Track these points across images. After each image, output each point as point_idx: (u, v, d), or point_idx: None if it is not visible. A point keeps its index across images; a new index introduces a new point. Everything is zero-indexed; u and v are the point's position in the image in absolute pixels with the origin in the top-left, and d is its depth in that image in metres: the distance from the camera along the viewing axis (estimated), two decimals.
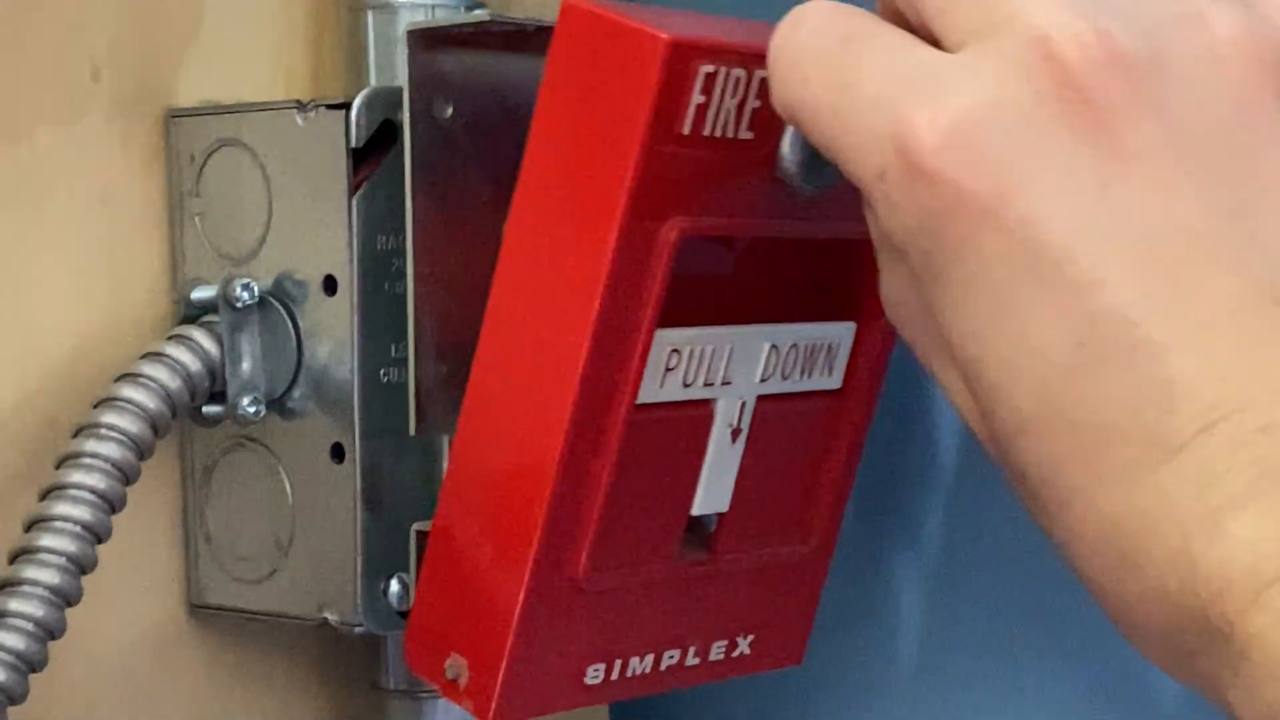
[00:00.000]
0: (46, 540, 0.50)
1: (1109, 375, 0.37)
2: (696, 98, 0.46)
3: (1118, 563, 0.37)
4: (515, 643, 0.50)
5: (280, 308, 0.55)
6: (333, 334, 0.54)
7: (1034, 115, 0.38)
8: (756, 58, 0.45)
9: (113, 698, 0.56)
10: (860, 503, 0.61)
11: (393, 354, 0.54)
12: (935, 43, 0.41)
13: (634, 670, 0.53)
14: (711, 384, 0.51)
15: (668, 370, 0.49)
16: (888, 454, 0.62)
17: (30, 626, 0.49)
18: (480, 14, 0.56)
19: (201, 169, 0.56)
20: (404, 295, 0.53)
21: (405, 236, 0.53)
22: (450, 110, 0.53)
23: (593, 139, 0.46)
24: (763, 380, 0.52)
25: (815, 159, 0.46)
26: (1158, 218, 0.37)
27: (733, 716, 0.67)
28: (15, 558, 0.50)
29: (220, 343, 0.54)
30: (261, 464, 0.56)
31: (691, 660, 0.55)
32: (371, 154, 0.54)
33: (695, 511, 0.52)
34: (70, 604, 0.50)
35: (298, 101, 0.54)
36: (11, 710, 0.50)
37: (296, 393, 0.55)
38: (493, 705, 0.49)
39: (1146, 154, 0.38)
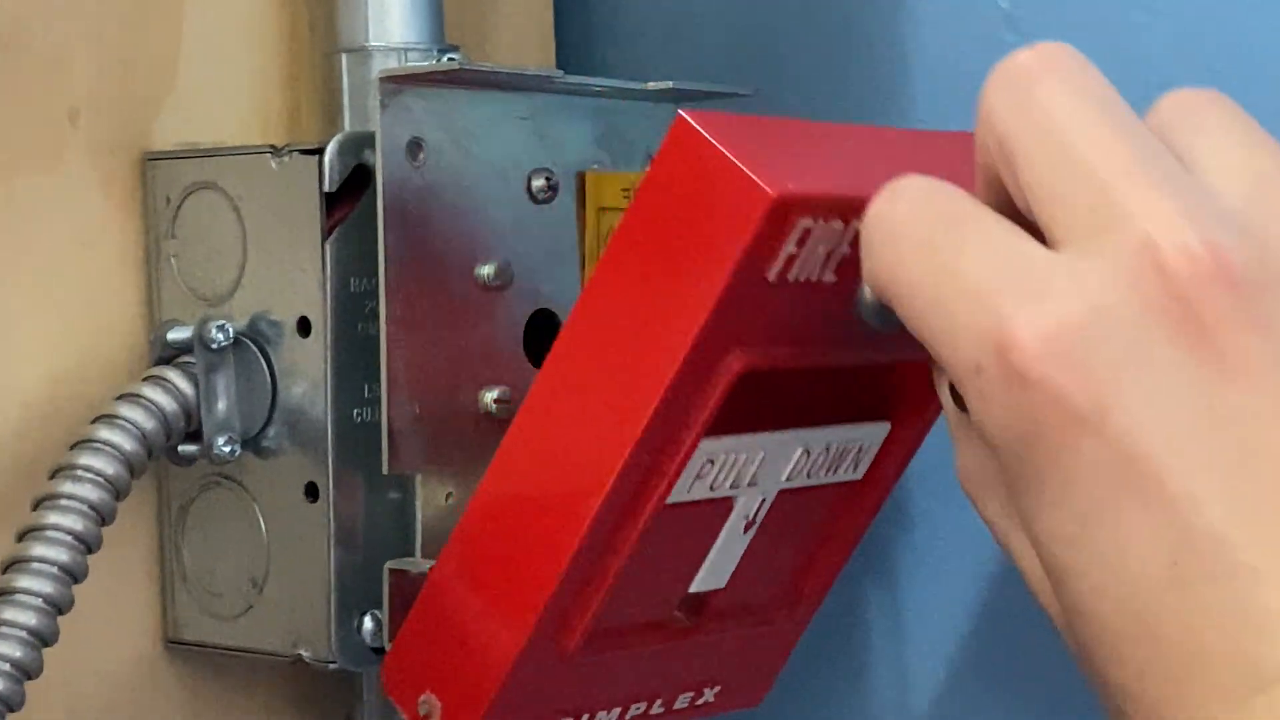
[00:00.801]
0: (24, 582, 0.51)
1: (1203, 597, 0.36)
2: (789, 249, 0.45)
3: None
4: (495, 702, 0.50)
5: (255, 348, 0.55)
6: (307, 374, 0.55)
7: (1139, 326, 0.37)
8: (857, 209, 0.44)
9: None
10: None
11: (366, 394, 0.55)
12: (1038, 233, 0.40)
13: None
14: (738, 485, 0.51)
15: (699, 476, 0.49)
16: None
17: (7, 667, 0.50)
18: (453, 59, 0.57)
19: (177, 211, 0.57)
20: (377, 336, 0.54)
21: (378, 279, 0.53)
22: (422, 154, 0.54)
23: (678, 263, 0.45)
24: (788, 479, 0.52)
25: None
26: (1261, 439, 0.37)
27: None
28: None
29: (196, 383, 0.55)
30: (237, 502, 0.56)
31: (656, 709, 0.56)
32: (345, 197, 0.55)
33: (693, 589, 0.53)
34: (47, 644, 0.51)
35: (272, 146, 0.55)
36: None
37: (271, 432, 0.56)
38: None
39: (1252, 372, 0.37)
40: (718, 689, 0.57)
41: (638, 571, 0.50)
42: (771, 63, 0.67)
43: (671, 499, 0.49)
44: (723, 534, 0.52)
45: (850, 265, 0.46)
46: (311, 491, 0.55)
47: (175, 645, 0.58)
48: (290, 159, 0.55)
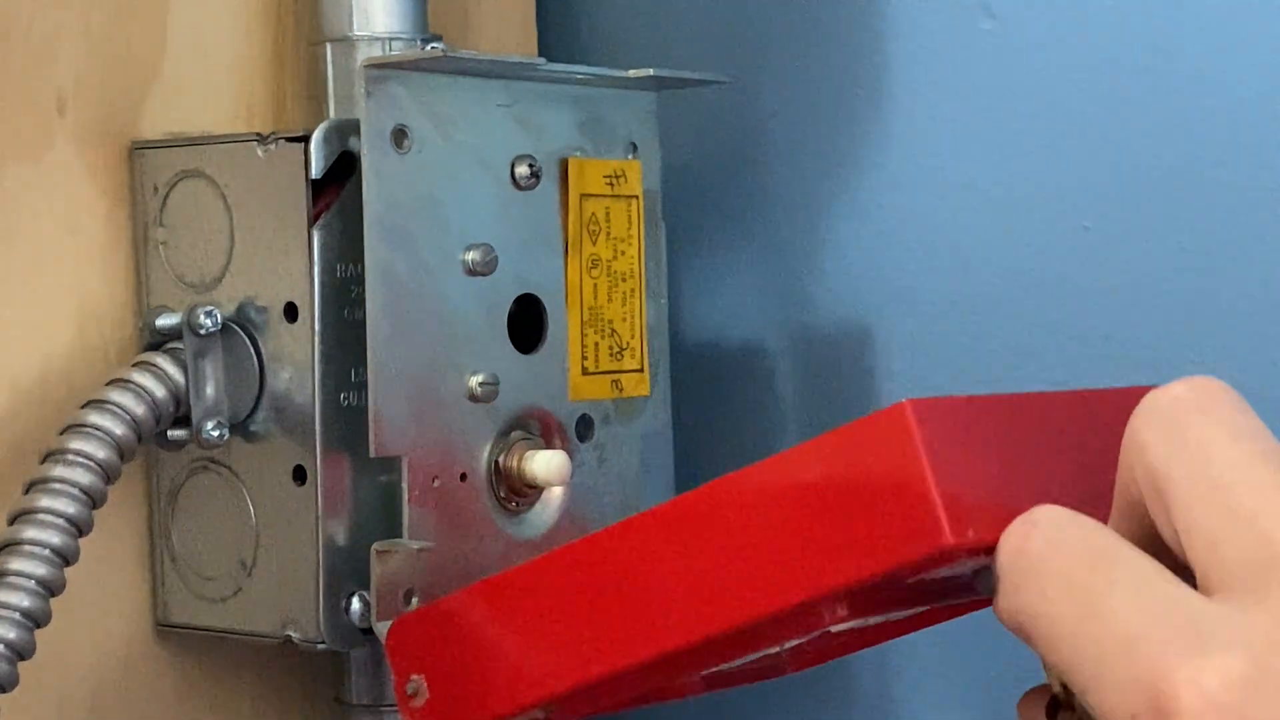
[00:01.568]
0: (16, 564, 0.52)
1: None
2: (941, 570, 0.44)
3: None
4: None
5: (243, 334, 0.56)
6: (294, 359, 0.56)
7: None
8: None
9: (81, 715, 0.57)
10: None
11: (352, 378, 0.56)
12: (1181, 569, 0.40)
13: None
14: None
15: None
16: None
17: (1, 649, 0.51)
18: (436, 48, 0.57)
19: (165, 200, 0.58)
20: (363, 321, 0.54)
21: (364, 264, 0.54)
22: (407, 141, 0.55)
23: (833, 525, 0.44)
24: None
25: None
26: None
27: None
28: None
29: (184, 369, 0.55)
30: (225, 486, 0.57)
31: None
32: (331, 184, 0.55)
33: (705, 673, 0.53)
34: (39, 626, 0.52)
35: (258, 134, 0.56)
36: None
37: (259, 417, 0.56)
38: None
39: None
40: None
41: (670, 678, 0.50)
42: (751, 51, 0.67)
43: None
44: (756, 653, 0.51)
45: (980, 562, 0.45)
46: (299, 475, 0.56)
47: (165, 628, 0.59)
48: (276, 147, 0.55)
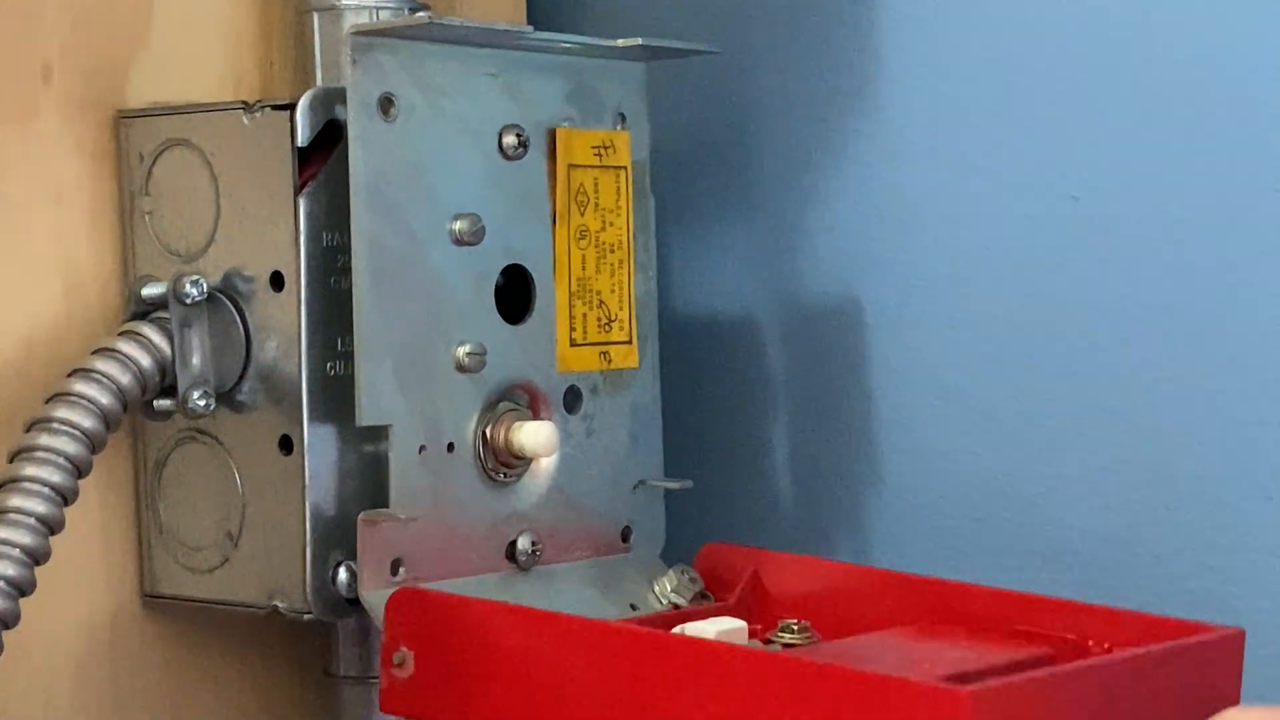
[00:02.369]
0: (1, 533, 0.51)
1: None
2: None
3: None
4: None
5: (229, 303, 0.56)
6: (280, 329, 0.55)
7: None
8: None
9: (68, 685, 0.57)
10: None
11: (339, 347, 0.55)
12: None
13: None
14: None
15: None
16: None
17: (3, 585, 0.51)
18: (423, 16, 0.57)
19: (151, 168, 0.57)
20: (349, 290, 0.54)
21: (350, 233, 0.54)
22: (394, 109, 0.55)
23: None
24: None
25: None
26: None
27: None
28: None
29: (170, 338, 0.55)
30: (212, 456, 0.57)
31: None
32: (317, 152, 0.55)
33: None
34: (24, 594, 0.52)
35: (244, 102, 0.55)
36: None
37: (245, 386, 0.56)
38: (396, 710, 0.52)
39: None
40: None
41: None
42: (741, 23, 0.67)
43: None
44: None
45: None
46: (285, 444, 0.56)
47: (152, 599, 0.59)
48: (262, 115, 0.55)
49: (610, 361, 0.61)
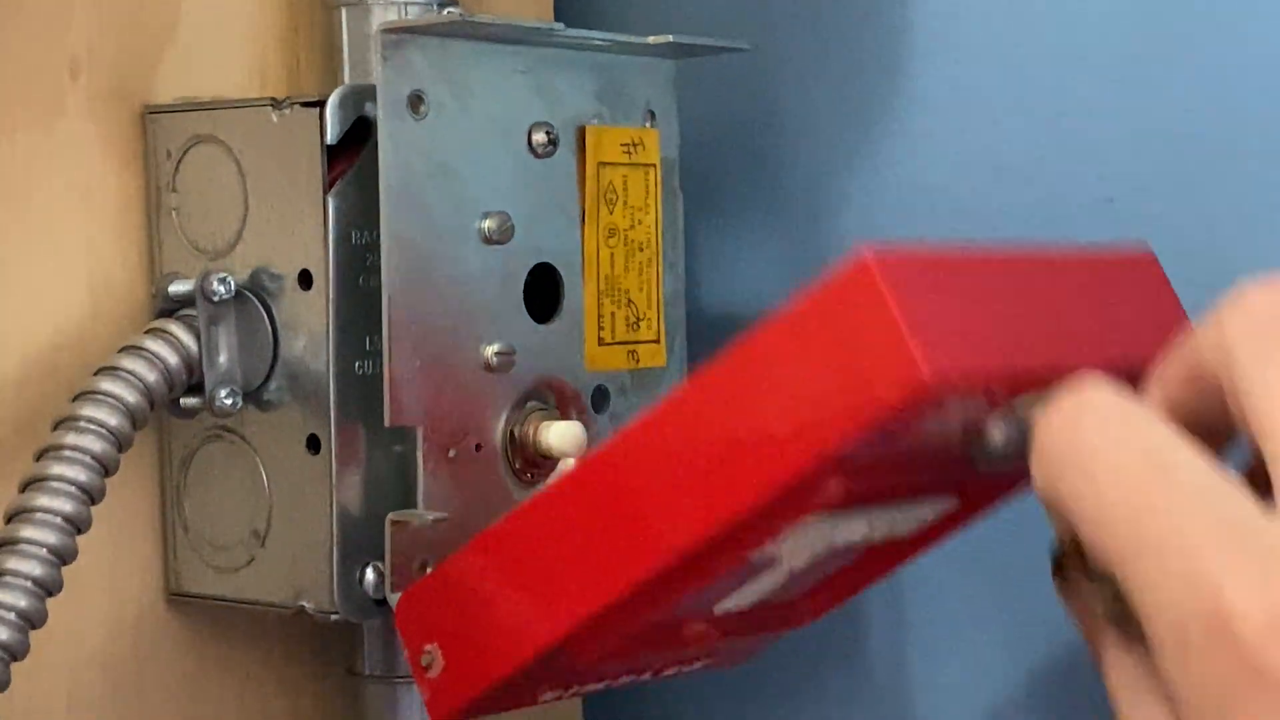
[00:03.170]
0: (28, 532, 0.51)
1: None
2: (929, 424, 0.44)
3: None
4: (496, 684, 0.51)
5: (256, 301, 0.56)
6: (308, 327, 0.55)
7: None
8: (1004, 387, 0.44)
9: (93, 684, 0.57)
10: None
11: (367, 347, 0.55)
12: (1250, 472, 0.39)
13: (588, 689, 0.54)
14: (795, 551, 0.50)
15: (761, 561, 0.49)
16: None
17: (12, 616, 0.50)
18: (453, 12, 0.57)
19: (178, 165, 0.57)
20: (378, 289, 0.54)
21: (379, 231, 0.54)
22: (423, 107, 0.54)
23: (810, 394, 0.44)
24: (843, 542, 0.51)
25: (1011, 452, 0.44)
26: None
27: (711, 715, 0.68)
28: None
29: (197, 336, 0.55)
30: (238, 455, 0.57)
31: (645, 677, 0.56)
32: (346, 150, 0.55)
33: (718, 612, 0.52)
34: (51, 594, 0.51)
35: (272, 99, 0.55)
36: None
37: (273, 385, 0.56)
38: (446, 713, 0.51)
39: None
40: (708, 662, 0.57)
41: (672, 607, 0.50)
42: (770, 19, 0.67)
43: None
44: (765, 577, 0.51)
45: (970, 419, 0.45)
46: (313, 444, 0.55)
47: (177, 597, 0.59)
48: (291, 111, 0.55)
49: (638, 361, 0.60)
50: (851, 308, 0.43)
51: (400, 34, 0.54)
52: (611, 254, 0.60)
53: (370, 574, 0.55)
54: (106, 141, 0.57)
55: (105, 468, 0.53)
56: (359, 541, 0.55)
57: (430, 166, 0.54)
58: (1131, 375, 0.44)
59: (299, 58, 0.60)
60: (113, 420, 0.53)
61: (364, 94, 0.54)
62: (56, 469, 0.52)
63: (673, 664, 0.56)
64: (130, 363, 0.54)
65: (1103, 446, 0.40)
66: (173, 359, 0.55)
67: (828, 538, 0.50)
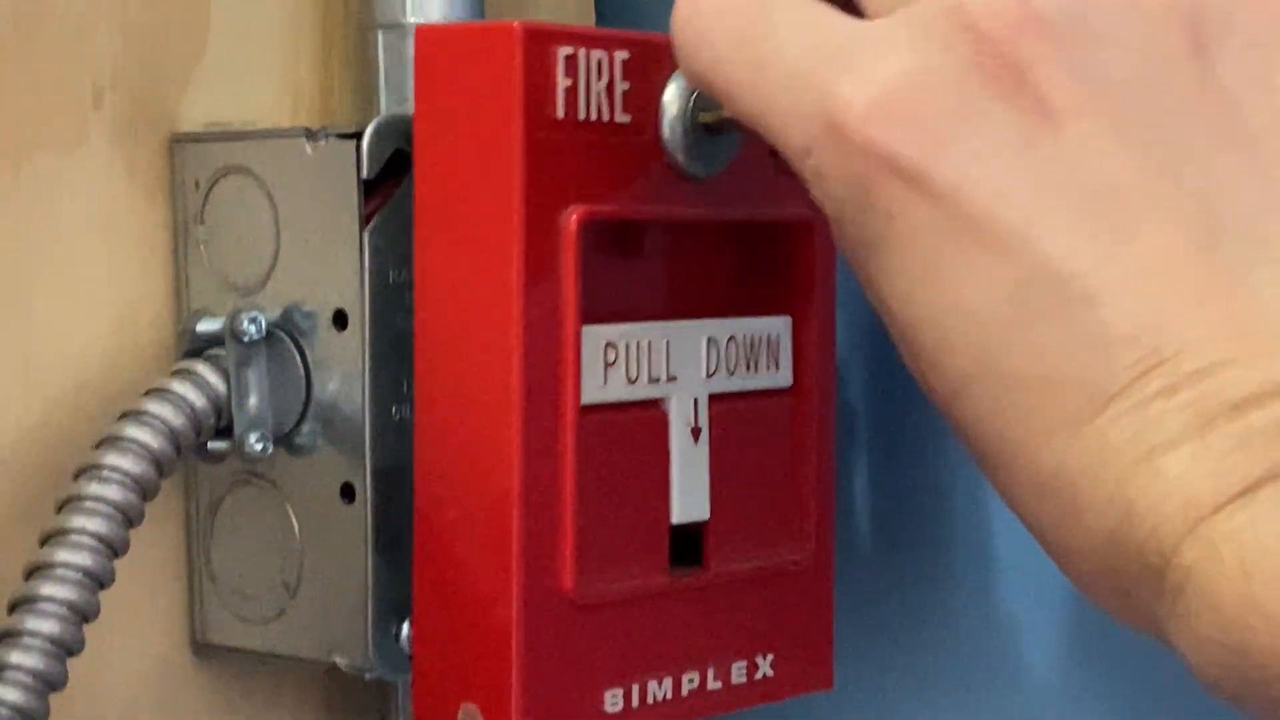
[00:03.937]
0: (47, 588, 0.48)
1: (1043, 328, 0.37)
2: (562, 81, 0.48)
3: (1059, 511, 0.38)
4: (521, 672, 0.49)
5: (289, 341, 0.53)
6: (343, 369, 0.52)
7: (957, 81, 0.39)
8: (612, 40, 0.49)
9: None
10: (883, 513, 0.61)
11: (405, 390, 0.52)
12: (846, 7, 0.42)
13: (654, 696, 0.52)
14: (657, 380, 0.52)
15: (608, 366, 0.50)
16: (904, 463, 0.61)
17: (30, 680, 0.48)
18: None
19: (207, 196, 0.54)
20: None
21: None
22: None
23: (475, 146, 0.48)
24: (709, 376, 0.53)
25: (699, 143, 0.50)
26: (1084, 174, 0.38)
27: None
28: (14, 607, 0.49)
29: (226, 378, 0.52)
30: (269, 501, 0.54)
31: (713, 684, 0.54)
32: (384, 183, 0.52)
33: (675, 520, 0.52)
34: (71, 654, 0.49)
35: (306, 129, 0.52)
36: None
37: (305, 429, 0.53)
38: None
39: (1071, 112, 0.38)
40: (771, 657, 0.55)
41: (604, 495, 0.50)
42: None
43: (593, 398, 0.50)
44: (674, 448, 0.52)
45: (642, 105, 0.50)
46: (348, 492, 0.52)
47: (203, 648, 0.56)
48: (326, 143, 0.52)
49: None
50: (440, 61, 0.49)
51: None
52: None
53: (407, 629, 0.52)
54: (131, 170, 0.54)
55: (129, 519, 0.50)
56: (395, 595, 0.52)
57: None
58: None
59: (334, 81, 0.58)
60: (137, 469, 0.50)
61: (402, 125, 0.51)
62: (78, 521, 0.49)
63: (724, 651, 0.54)
64: (156, 406, 0.51)
65: (714, 14, 0.42)
66: (200, 402, 0.52)
67: (692, 369, 0.52)
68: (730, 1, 0.42)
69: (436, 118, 0.49)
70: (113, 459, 0.50)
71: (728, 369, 0.53)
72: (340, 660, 0.53)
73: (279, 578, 0.54)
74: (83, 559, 0.49)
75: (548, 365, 0.49)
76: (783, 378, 0.55)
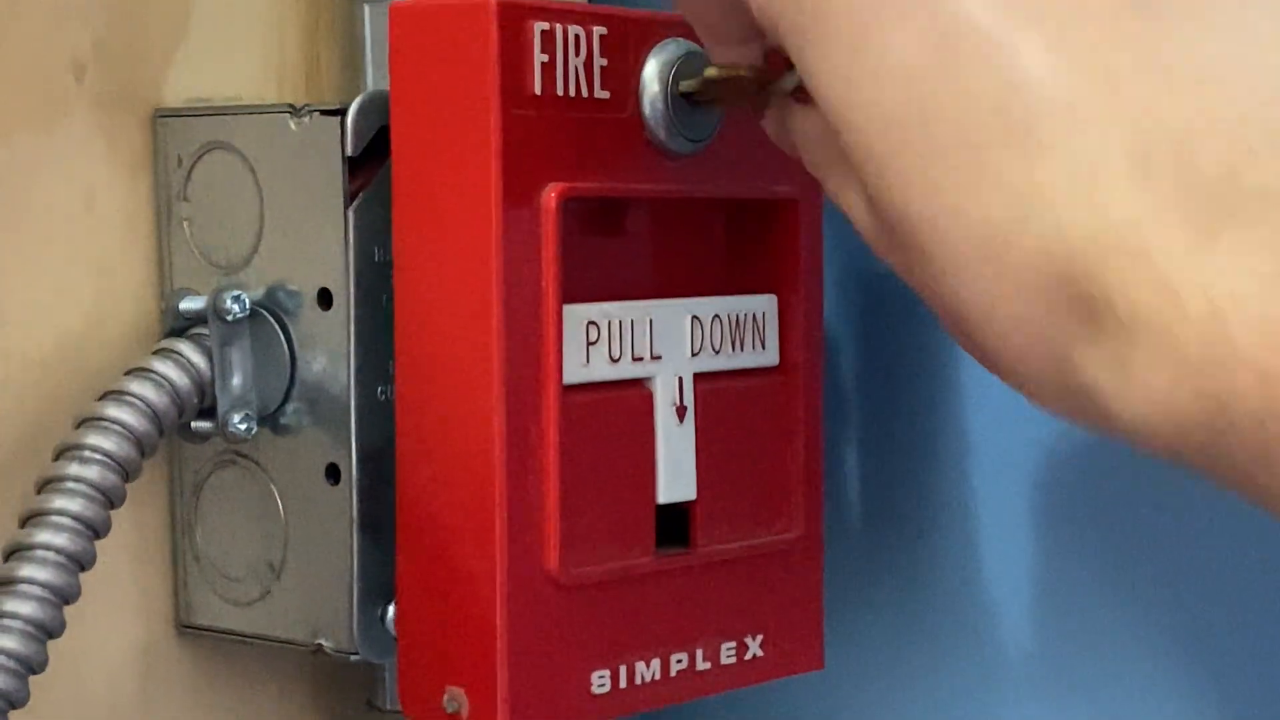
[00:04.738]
0: (26, 570, 0.48)
1: (971, 73, 0.37)
2: (539, 56, 0.48)
3: (993, 274, 0.37)
4: (507, 654, 0.49)
5: (272, 320, 0.52)
6: (327, 349, 0.52)
7: None
8: (588, 16, 0.49)
9: (100, 718, 0.54)
10: (874, 493, 0.61)
11: (390, 370, 0.51)
12: None
13: (643, 677, 0.52)
14: (641, 359, 0.51)
15: (590, 345, 0.50)
16: (894, 441, 0.61)
17: (9, 662, 0.47)
18: None
19: (190, 172, 0.54)
20: None
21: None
22: None
23: (452, 123, 0.48)
24: (694, 355, 0.52)
25: (680, 119, 0.50)
26: None
27: None
28: None
29: (210, 357, 0.52)
30: (253, 482, 0.53)
31: (702, 665, 0.54)
32: (369, 160, 0.51)
33: (661, 500, 0.52)
34: (52, 636, 0.48)
35: (290, 105, 0.51)
36: None
37: (290, 409, 0.52)
38: None
39: None
40: (760, 638, 0.55)
41: (588, 475, 0.50)
42: None
43: (575, 378, 0.49)
44: (659, 427, 0.51)
45: (620, 82, 0.49)
46: (333, 473, 0.52)
47: (188, 629, 0.55)
48: (310, 120, 0.51)
49: None
50: (415, 39, 0.49)
51: None
52: None
53: (392, 611, 0.52)
54: (113, 146, 0.53)
55: (111, 500, 0.49)
56: (380, 578, 0.52)
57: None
58: None
59: (320, 54, 0.57)
60: (119, 450, 0.49)
61: (388, 101, 0.51)
62: (58, 502, 0.49)
63: (713, 632, 0.54)
64: (138, 386, 0.51)
65: None
66: (183, 382, 0.51)
67: (676, 348, 0.52)
68: None
69: (413, 95, 0.49)
70: (94, 439, 0.49)
71: (713, 348, 0.53)
72: (325, 643, 0.52)
73: (264, 559, 0.53)
74: (63, 540, 0.48)
75: (529, 345, 0.48)
76: (769, 356, 0.55)
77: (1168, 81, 0.36)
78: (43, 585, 0.48)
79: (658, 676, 0.52)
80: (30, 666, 0.48)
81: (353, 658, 0.52)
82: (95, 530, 0.49)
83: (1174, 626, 0.57)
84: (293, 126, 0.51)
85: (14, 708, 0.48)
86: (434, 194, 0.49)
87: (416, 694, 0.50)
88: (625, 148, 0.50)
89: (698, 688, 0.54)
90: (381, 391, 0.52)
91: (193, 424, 0.52)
